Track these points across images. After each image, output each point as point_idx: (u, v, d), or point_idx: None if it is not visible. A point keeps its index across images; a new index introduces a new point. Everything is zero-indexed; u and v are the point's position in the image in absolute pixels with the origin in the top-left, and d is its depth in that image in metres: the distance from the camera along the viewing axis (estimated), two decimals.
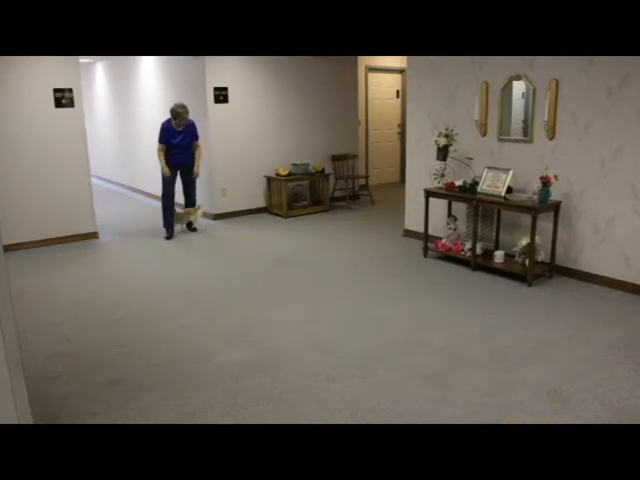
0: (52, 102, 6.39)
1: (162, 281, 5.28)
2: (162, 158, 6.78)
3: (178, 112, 6.61)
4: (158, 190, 9.41)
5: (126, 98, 10.00)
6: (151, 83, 8.92)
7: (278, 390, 3.28)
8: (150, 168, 9.46)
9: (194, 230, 7.28)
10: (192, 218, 7.25)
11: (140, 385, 3.36)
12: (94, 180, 8.07)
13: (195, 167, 6.99)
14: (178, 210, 7.20)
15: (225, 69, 7.53)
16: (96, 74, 11.21)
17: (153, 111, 8.97)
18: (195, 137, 6.92)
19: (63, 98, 6.45)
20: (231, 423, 2.94)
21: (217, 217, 7.83)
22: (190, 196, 7.26)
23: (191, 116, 8.22)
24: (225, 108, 7.62)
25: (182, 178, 7.08)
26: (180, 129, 6.74)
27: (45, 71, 6.29)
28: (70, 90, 6.48)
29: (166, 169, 6.81)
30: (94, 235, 6.94)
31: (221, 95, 7.55)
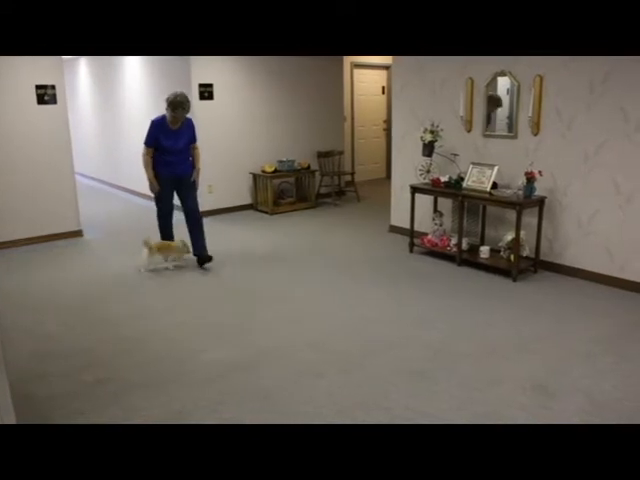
0: (34, 99, 6.32)
1: (147, 279, 5.25)
2: (150, 167, 5.38)
3: (179, 102, 5.13)
4: (143, 187, 9.40)
5: (110, 95, 9.91)
6: (135, 79, 8.85)
7: (265, 387, 3.27)
8: (135, 165, 9.40)
9: (205, 262, 5.58)
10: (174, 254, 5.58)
11: (127, 383, 3.34)
12: (78, 177, 8.00)
13: (194, 172, 5.59)
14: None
15: (210, 65, 7.49)
16: (79, 70, 11.10)
17: (137, 108, 8.91)
18: (193, 139, 5.55)
19: (46, 95, 6.38)
20: (218, 422, 2.93)
21: (203, 215, 7.78)
22: (194, 228, 5.62)
23: None
24: (210, 105, 7.58)
25: (180, 197, 5.60)
26: (176, 127, 5.32)
27: (27, 67, 6.21)
28: (53, 87, 6.41)
29: (155, 183, 5.42)
30: (78, 233, 6.88)
31: (206, 92, 7.51)
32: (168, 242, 5.64)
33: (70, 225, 6.82)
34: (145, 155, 5.40)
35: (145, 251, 5.35)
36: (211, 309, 4.50)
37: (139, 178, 9.34)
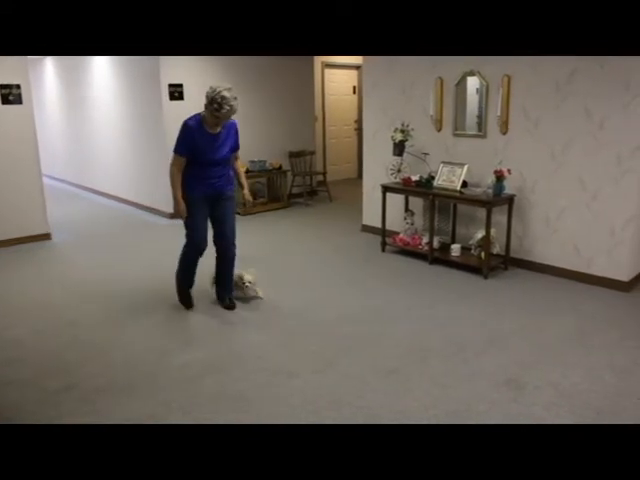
0: None
1: (117, 282, 5.19)
2: (178, 183, 4.07)
3: (225, 98, 3.81)
4: (115, 189, 9.30)
5: (78, 94, 9.76)
6: (104, 79, 8.72)
7: (239, 389, 3.26)
8: (105, 166, 9.28)
9: (231, 307, 4.49)
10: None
11: (96, 389, 3.29)
12: (46, 180, 7.85)
13: (245, 190, 4.44)
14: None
15: (180, 65, 7.43)
16: (46, 69, 10.90)
17: (107, 108, 8.79)
18: (236, 146, 4.31)
19: (10, 94, 6.25)
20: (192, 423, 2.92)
21: (174, 216, 7.71)
22: (228, 268, 4.52)
23: (144, 114, 8.16)
24: (181, 105, 7.52)
25: (214, 221, 4.34)
26: (215, 131, 4.06)
27: None
28: (18, 86, 6.28)
29: (183, 206, 4.12)
30: (47, 236, 6.76)
31: (176, 92, 7.45)
32: None
33: (38, 228, 6.70)
34: (174, 166, 4.07)
35: None
36: (182, 311, 4.46)
37: (110, 179, 9.25)
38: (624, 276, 4.67)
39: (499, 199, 5.03)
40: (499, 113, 5.18)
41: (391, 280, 5.10)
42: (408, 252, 5.83)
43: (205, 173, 4.10)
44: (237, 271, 4.57)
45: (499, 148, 5.28)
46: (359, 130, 10.64)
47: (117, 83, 8.35)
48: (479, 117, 5.45)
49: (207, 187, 4.14)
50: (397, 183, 5.86)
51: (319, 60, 9.96)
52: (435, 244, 5.54)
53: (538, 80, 4.89)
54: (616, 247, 4.66)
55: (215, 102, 3.82)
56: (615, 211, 4.62)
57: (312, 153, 9.09)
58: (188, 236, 4.31)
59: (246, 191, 4.46)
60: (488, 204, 4.93)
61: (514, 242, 5.32)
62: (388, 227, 6.04)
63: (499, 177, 4.96)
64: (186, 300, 4.50)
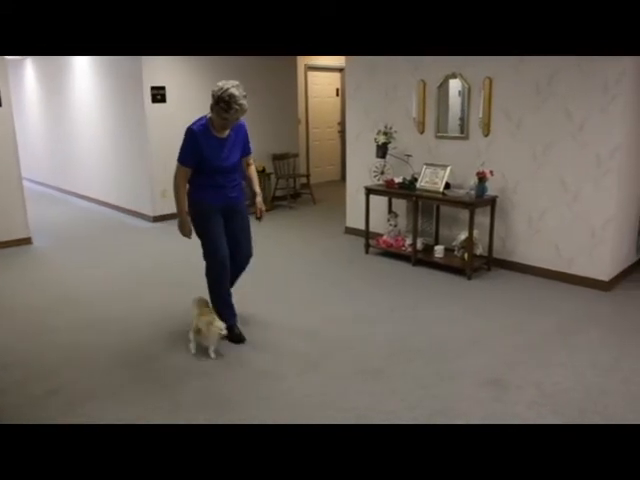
0: None
1: (98, 286, 5.14)
2: (183, 196, 3.67)
3: (232, 96, 3.37)
4: (97, 192, 9.22)
5: (59, 97, 9.67)
6: (86, 81, 8.65)
7: (224, 391, 3.25)
8: (87, 169, 9.20)
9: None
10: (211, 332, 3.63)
11: (80, 394, 3.25)
12: (26, 183, 7.76)
13: (258, 198, 3.95)
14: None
15: (162, 68, 7.39)
16: (26, 72, 10.78)
17: (88, 111, 8.72)
18: (247, 149, 3.85)
19: None
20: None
21: (157, 219, 7.68)
22: (240, 270, 4.03)
23: (126, 116, 8.11)
24: (163, 108, 7.48)
25: (228, 237, 3.81)
26: (224, 135, 3.63)
27: None
28: None
29: (188, 225, 3.75)
30: (27, 240, 6.67)
31: (159, 94, 7.40)
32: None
33: (18, 232, 6.61)
34: (178, 178, 3.65)
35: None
36: (165, 315, 4.43)
37: (92, 182, 9.17)
38: (605, 276, 4.73)
39: (482, 200, 5.06)
40: (481, 115, 5.22)
41: (375, 282, 5.11)
42: (392, 254, 5.85)
43: (215, 182, 3.66)
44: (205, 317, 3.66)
45: (481, 150, 5.32)
46: (342, 132, 10.66)
47: (99, 85, 8.28)
48: (461, 119, 5.49)
49: (220, 197, 3.69)
50: (380, 185, 5.88)
51: (302, 63, 9.97)
52: (418, 246, 5.56)
53: (519, 82, 4.94)
54: (596, 247, 4.72)
55: (222, 101, 3.38)
56: (595, 211, 4.68)
57: (295, 155, 9.09)
58: (209, 254, 3.74)
59: (259, 199, 3.95)
60: (471, 205, 4.96)
61: (497, 243, 5.36)
62: (371, 229, 6.06)
63: (481, 178, 5.00)
64: (237, 337, 3.84)
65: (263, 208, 3.99)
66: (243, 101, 3.41)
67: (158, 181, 7.60)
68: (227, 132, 3.64)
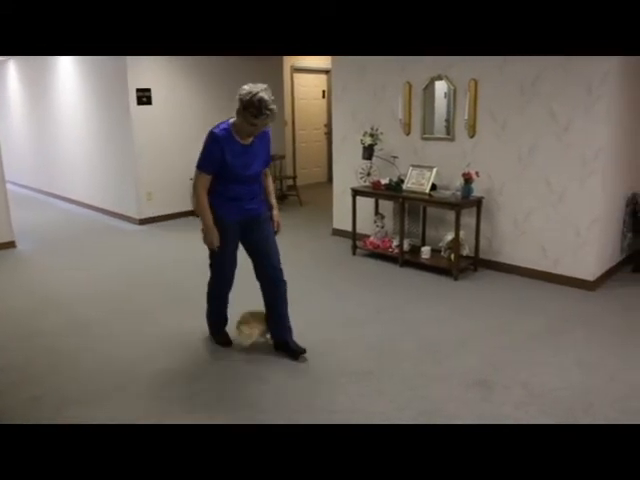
0: None
1: (84, 289, 5.09)
2: (206, 204, 3.39)
3: (262, 101, 3.13)
4: (82, 195, 9.14)
5: (43, 99, 9.58)
6: (70, 83, 8.58)
7: (211, 395, 3.23)
8: (71, 172, 9.12)
9: (298, 353, 3.65)
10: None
11: (65, 399, 3.22)
12: (9, 186, 7.67)
13: (275, 211, 3.70)
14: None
15: (148, 69, 7.35)
16: (8, 73, 10.69)
17: (73, 113, 8.65)
18: (268, 158, 3.61)
19: None
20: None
21: (143, 222, 7.63)
22: (279, 301, 3.81)
23: (112, 119, 8.05)
24: (149, 110, 7.44)
25: (253, 251, 3.66)
26: (248, 142, 3.38)
27: None
28: None
29: (215, 233, 3.44)
30: (11, 244, 6.60)
31: (144, 97, 7.36)
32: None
33: (2, 236, 6.53)
34: (198, 186, 3.38)
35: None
36: (152, 318, 4.40)
37: (77, 185, 9.09)
38: (590, 275, 4.76)
39: (467, 201, 5.08)
40: (466, 116, 5.25)
41: (362, 283, 5.11)
42: (379, 255, 5.85)
43: (234, 193, 3.40)
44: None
45: (467, 151, 5.35)
46: (329, 134, 10.67)
47: (83, 87, 8.22)
48: (447, 120, 5.51)
49: (238, 210, 3.44)
50: (367, 187, 5.88)
51: (288, 64, 9.96)
52: (405, 247, 5.57)
53: (504, 83, 4.97)
54: (582, 247, 4.75)
55: (252, 106, 3.11)
56: (580, 212, 4.71)
57: (282, 157, 9.08)
58: (216, 270, 3.66)
59: (276, 212, 3.71)
60: (457, 206, 4.98)
61: (483, 244, 5.38)
62: (358, 230, 6.06)
63: (467, 180, 5.02)
64: (223, 339, 3.87)
65: (280, 221, 3.76)
66: (273, 106, 3.17)
67: (144, 183, 7.56)
68: (251, 139, 3.38)
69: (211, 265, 3.68)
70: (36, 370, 3.58)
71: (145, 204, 7.62)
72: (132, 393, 3.27)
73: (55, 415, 3.04)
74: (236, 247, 3.62)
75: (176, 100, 7.72)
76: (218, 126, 3.37)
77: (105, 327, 4.22)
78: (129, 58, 7.08)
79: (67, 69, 8.56)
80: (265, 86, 3.19)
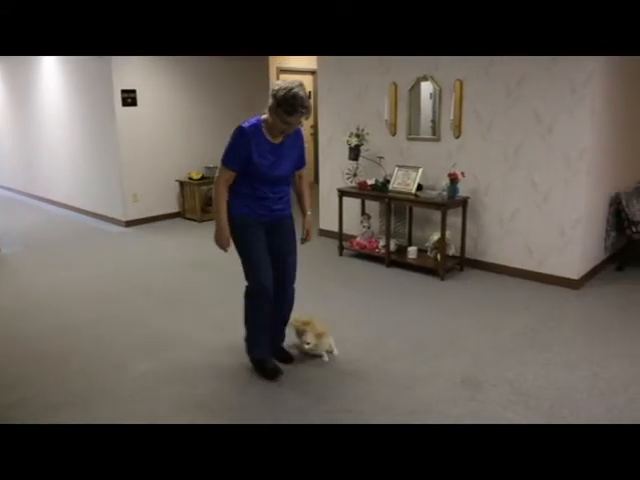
0: None
1: (69, 292, 5.05)
2: (223, 203, 3.20)
3: (296, 97, 2.99)
4: (67, 197, 9.05)
5: (26, 99, 9.49)
6: (54, 82, 8.51)
7: (198, 397, 3.21)
8: (55, 174, 9.04)
9: (290, 357, 3.60)
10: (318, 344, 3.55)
11: (49, 404, 3.18)
12: None
13: (307, 216, 3.56)
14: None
15: (133, 70, 7.30)
16: None
17: (57, 113, 8.58)
18: (302, 161, 3.46)
19: None
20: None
21: (129, 224, 7.58)
22: (286, 312, 3.61)
23: (96, 120, 7.99)
24: (134, 111, 7.39)
25: (269, 250, 3.36)
26: (278, 141, 3.20)
27: None
28: None
29: (226, 234, 3.24)
30: None
31: (129, 98, 7.31)
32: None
33: None
34: (219, 182, 3.18)
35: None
36: (139, 320, 4.37)
37: (61, 187, 9.01)
38: (575, 274, 4.81)
39: (453, 201, 5.11)
40: (452, 117, 5.27)
41: (349, 283, 5.12)
42: (365, 255, 5.86)
43: (260, 193, 3.20)
44: (295, 321, 3.66)
45: (453, 151, 5.37)
46: (315, 135, 10.67)
47: (67, 87, 8.15)
48: (433, 121, 5.53)
49: (264, 211, 3.24)
50: (353, 187, 5.89)
51: (274, 65, 9.95)
52: (392, 247, 5.59)
53: (489, 84, 5.00)
54: (566, 246, 4.79)
55: (286, 102, 2.96)
56: (565, 211, 4.75)
57: None
58: (250, 276, 3.32)
59: (309, 215, 3.54)
60: (443, 206, 5.00)
61: (469, 243, 5.41)
62: (345, 231, 6.06)
63: (453, 180, 5.04)
64: (272, 372, 3.37)
65: (311, 230, 3.60)
66: (308, 104, 3.03)
67: (129, 185, 7.51)
68: (281, 138, 3.19)
69: (246, 277, 3.36)
70: (18, 374, 3.53)
71: (131, 206, 7.57)
72: (119, 395, 3.24)
73: (36, 421, 3.01)
74: (265, 248, 3.30)
75: (162, 101, 7.68)
76: (247, 121, 3.19)
77: (91, 329, 4.18)
78: (114, 59, 7.04)
79: (51, 69, 8.48)
80: (300, 82, 3.05)
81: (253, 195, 3.21)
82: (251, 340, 3.45)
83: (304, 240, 3.56)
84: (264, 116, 3.16)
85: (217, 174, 3.21)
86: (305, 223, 3.52)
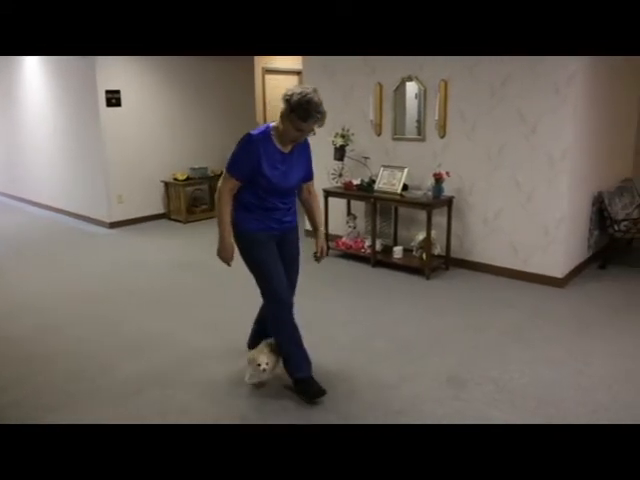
0: None
1: (53, 294, 5.00)
2: (227, 214, 3.04)
3: (311, 102, 2.84)
4: (50, 199, 8.96)
5: (8, 99, 9.38)
6: (36, 83, 8.42)
7: (183, 400, 3.20)
8: (38, 175, 8.95)
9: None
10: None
11: (37, 406, 3.15)
12: None
13: (320, 232, 3.38)
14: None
15: (117, 71, 7.25)
16: None
17: (40, 114, 8.49)
18: (310, 173, 3.26)
19: None
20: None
21: (113, 225, 7.53)
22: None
23: (80, 121, 7.92)
24: (118, 112, 7.34)
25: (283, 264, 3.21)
26: (287, 150, 3.03)
27: None
28: None
29: (229, 247, 3.11)
30: None
31: (114, 98, 7.26)
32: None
33: None
34: (223, 191, 3.01)
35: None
36: (124, 322, 4.34)
37: (44, 188, 8.92)
38: (558, 273, 4.85)
39: (438, 201, 5.13)
40: (437, 117, 5.30)
41: (335, 284, 5.12)
42: (351, 255, 5.87)
43: (269, 204, 3.04)
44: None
45: (438, 151, 5.40)
46: None
47: (51, 88, 8.07)
48: (418, 121, 5.55)
49: (275, 224, 3.10)
50: (339, 187, 5.90)
51: (259, 65, 9.93)
52: (377, 247, 5.60)
53: (474, 84, 5.03)
54: (550, 245, 4.83)
55: (300, 108, 2.80)
56: (549, 211, 4.79)
57: None
58: (268, 292, 3.16)
59: (322, 235, 3.38)
60: (428, 206, 5.02)
61: (454, 243, 5.44)
62: (331, 231, 6.07)
63: (438, 179, 5.07)
64: (315, 394, 3.12)
65: (325, 247, 3.39)
66: (323, 110, 2.89)
67: (114, 186, 7.46)
68: (290, 147, 3.03)
69: (263, 291, 3.18)
70: (6, 376, 3.49)
71: (115, 207, 7.52)
72: (105, 397, 3.22)
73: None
74: (278, 259, 3.14)
75: (146, 102, 7.64)
76: (258, 130, 3.00)
77: (78, 332, 4.15)
78: (98, 59, 6.99)
79: (33, 69, 8.40)
80: (314, 87, 2.92)
81: (262, 206, 3.04)
82: (290, 361, 3.22)
83: (319, 258, 3.38)
84: (273, 123, 3.01)
85: (221, 182, 3.02)
86: (319, 240, 3.34)
